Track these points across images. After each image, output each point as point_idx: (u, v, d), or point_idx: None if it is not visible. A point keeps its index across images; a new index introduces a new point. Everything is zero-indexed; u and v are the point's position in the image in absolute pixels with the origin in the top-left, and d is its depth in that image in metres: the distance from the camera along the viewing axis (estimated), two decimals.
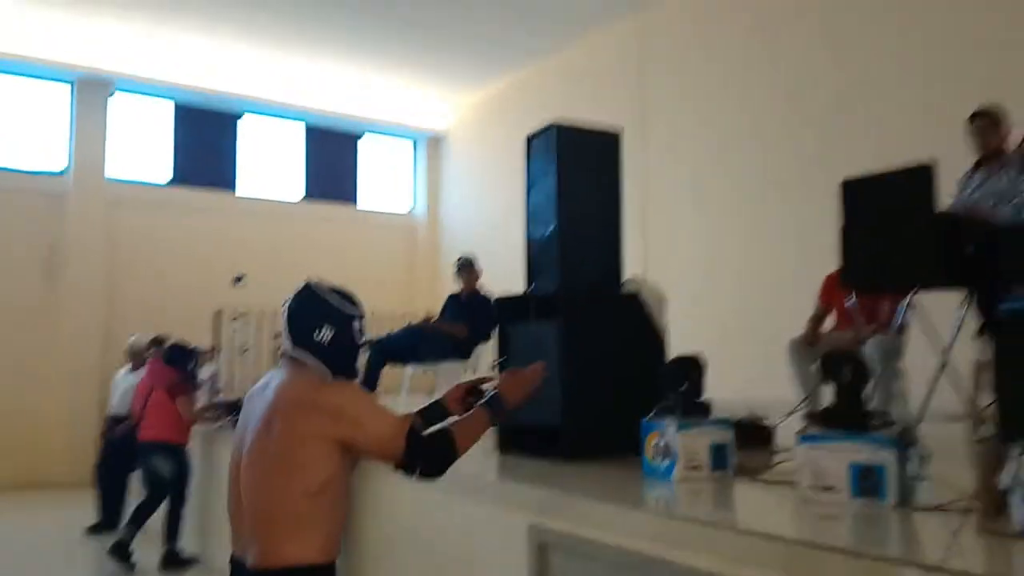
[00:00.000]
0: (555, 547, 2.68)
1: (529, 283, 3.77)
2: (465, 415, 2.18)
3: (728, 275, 7.72)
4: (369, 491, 3.73)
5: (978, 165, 4.27)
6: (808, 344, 4.76)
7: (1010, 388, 3.23)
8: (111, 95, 10.87)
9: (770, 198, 7.65)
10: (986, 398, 3.84)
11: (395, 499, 3.60)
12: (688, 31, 9.03)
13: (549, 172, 3.65)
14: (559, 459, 3.30)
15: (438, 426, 2.19)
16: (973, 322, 3.87)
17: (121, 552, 5.84)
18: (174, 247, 10.92)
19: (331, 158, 12.77)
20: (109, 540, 6.15)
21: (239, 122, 11.97)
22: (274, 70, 11.01)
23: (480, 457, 3.77)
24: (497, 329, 3.79)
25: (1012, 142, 4.20)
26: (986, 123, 4.18)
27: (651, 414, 2.98)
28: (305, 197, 12.50)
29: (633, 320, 3.61)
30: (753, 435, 3.61)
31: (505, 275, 10.63)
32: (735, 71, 8.37)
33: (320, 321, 2.03)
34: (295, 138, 12.50)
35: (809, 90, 7.53)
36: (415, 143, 13.49)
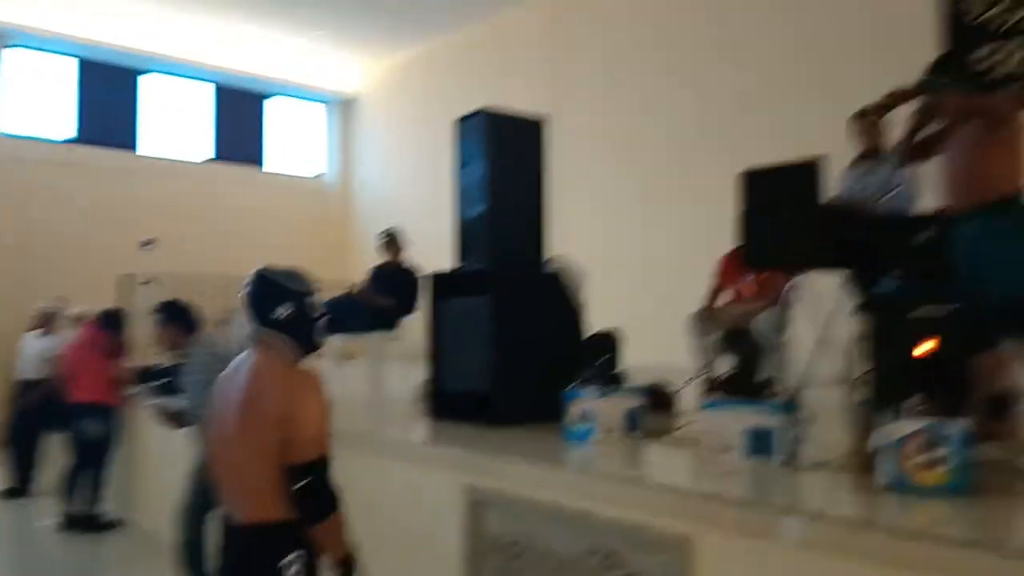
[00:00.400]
0: (488, 504, 2.98)
1: (459, 260, 4.01)
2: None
3: (634, 254, 8.11)
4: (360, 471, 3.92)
5: (860, 159, 4.74)
6: (706, 318, 5.18)
7: (882, 360, 3.73)
8: (6, 47, 10.35)
9: (673, 184, 8.08)
10: (860, 368, 4.37)
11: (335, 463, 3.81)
12: (601, 9, 9.32)
13: (478, 156, 3.88)
14: (488, 424, 3.59)
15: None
16: (852, 300, 4.34)
17: (88, 523, 5.87)
18: (77, 207, 10.53)
19: (240, 119, 12.50)
20: (25, 505, 6.12)
21: (143, 79, 11.58)
22: (181, 27, 10.69)
23: (411, 422, 4.04)
24: (427, 301, 4.03)
25: (891, 139, 4.68)
26: (869, 122, 4.64)
27: (573, 384, 3.30)
28: (213, 158, 12.24)
29: (556, 296, 3.92)
30: (658, 401, 3.99)
31: (420, 244, 10.82)
32: (645, 51, 8.74)
33: (278, 301, 2.23)
34: (203, 98, 12.18)
35: (713, 85, 7.99)
36: (327, 106, 13.36)
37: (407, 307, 5.21)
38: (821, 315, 4.41)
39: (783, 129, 7.08)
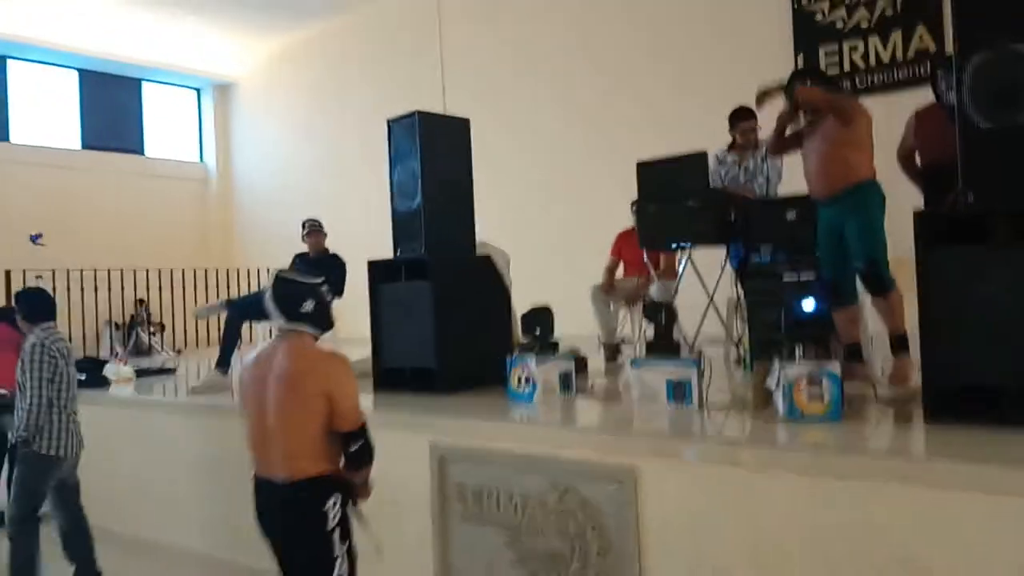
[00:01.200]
0: (451, 457, 3.46)
1: (395, 249, 4.42)
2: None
3: (537, 235, 8.64)
4: None
5: (731, 147, 5.45)
6: (605, 290, 5.82)
7: (757, 320, 4.48)
8: None
9: (566, 168, 8.70)
10: (741, 326, 5.12)
11: None
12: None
13: (412, 154, 4.29)
14: (433, 393, 4.05)
15: None
16: (731, 271, 5.08)
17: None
18: None
19: (112, 105, 12.09)
20: None
21: (11, 64, 11.02)
22: (45, 10, 10.26)
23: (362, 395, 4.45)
24: (367, 286, 4.42)
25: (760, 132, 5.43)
26: (753, 123, 5.33)
27: (516, 352, 3.82)
28: (85, 146, 11.80)
29: (486, 278, 4.42)
30: (578, 365, 4.59)
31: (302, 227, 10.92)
32: (528, 39, 9.28)
33: (303, 298, 2.64)
34: (69, 83, 11.70)
35: (579, 82, 8.67)
36: (199, 92, 13.10)
37: (337, 291, 5.55)
38: (707, 283, 5.13)
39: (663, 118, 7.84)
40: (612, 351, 5.52)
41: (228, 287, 10.98)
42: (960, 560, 2.26)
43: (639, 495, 2.86)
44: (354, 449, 2.57)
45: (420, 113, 4.29)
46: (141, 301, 10.75)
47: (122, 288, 9.65)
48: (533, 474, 3.17)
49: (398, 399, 4.06)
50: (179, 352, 9.92)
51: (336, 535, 2.57)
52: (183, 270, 10.45)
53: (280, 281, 2.68)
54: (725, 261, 5.24)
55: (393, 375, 4.33)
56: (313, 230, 5.65)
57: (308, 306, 2.63)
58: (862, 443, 2.71)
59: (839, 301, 3.96)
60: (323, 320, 2.69)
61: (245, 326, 5.53)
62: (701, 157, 4.77)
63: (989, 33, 2.61)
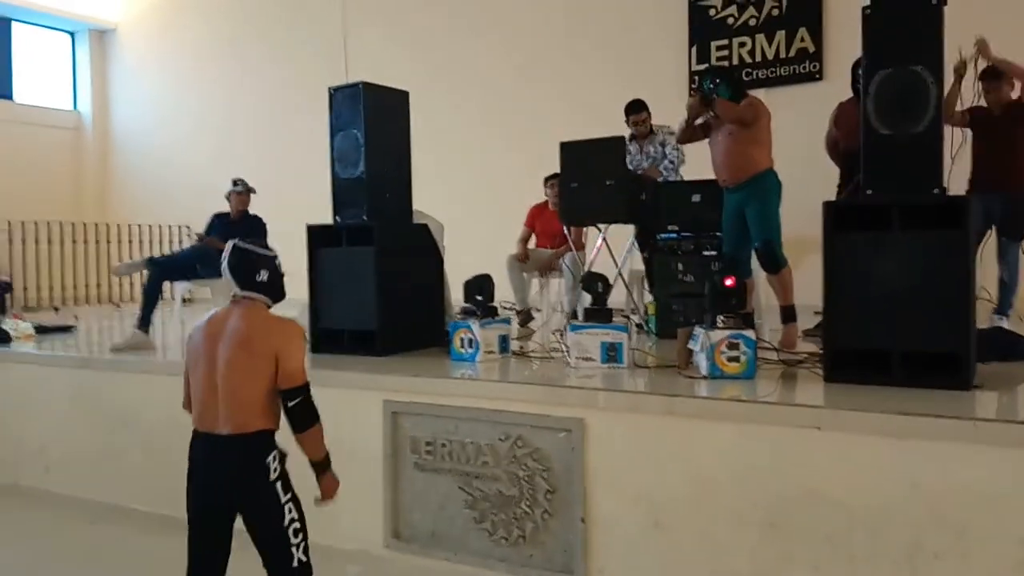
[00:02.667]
0: (402, 413, 3.73)
1: (335, 215, 4.58)
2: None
3: (448, 207, 8.80)
4: None
5: (631, 138, 5.90)
6: (519, 260, 6.17)
7: (662, 291, 4.96)
8: None
9: (479, 141, 8.94)
10: (646, 296, 5.62)
11: None
12: None
13: (355, 122, 4.45)
14: (375, 355, 4.28)
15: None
16: (641, 246, 5.54)
17: None
18: None
19: None
20: None
21: None
22: None
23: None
24: (307, 250, 4.57)
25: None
26: (643, 115, 5.80)
27: (458, 315, 4.12)
28: None
29: (424, 245, 4.66)
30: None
31: (192, 184, 10.67)
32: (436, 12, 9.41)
33: (258, 267, 2.75)
34: None
35: (487, 54, 8.92)
36: (74, 36, 12.33)
37: None
38: (617, 257, 5.59)
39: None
40: (525, 316, 5.89)
41: (99, 242, 10.59)
42: (856, 489, 2.78)
43: (585, 441, 3.25)
44: (292, 405, 2.66)
45: (364, 84, 4.44)
46: None
47: None
48: (485, 425, 3.50)
49: (344, 360, 4.26)
50: (56, 310, 9.51)
51: (279, 485, 2.70)
52: (47, 223, 9.93)
53: (237, 250, 2.78)
54: (632, 237, 5.72)
55: (331, 336, 4.51)
56: (245, 191, 5.64)
57: (263, 275, 2.74)
58: (777, 396, 3.20)
59: (736, 275, 4.49)
60: (276, 290, 2.80)
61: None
62: (619, 140, 5.18)
63: (892, 54, 3.11)
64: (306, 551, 2.71)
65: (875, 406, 2.82)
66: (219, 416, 2.70)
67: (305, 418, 2.71)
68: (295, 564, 2.67)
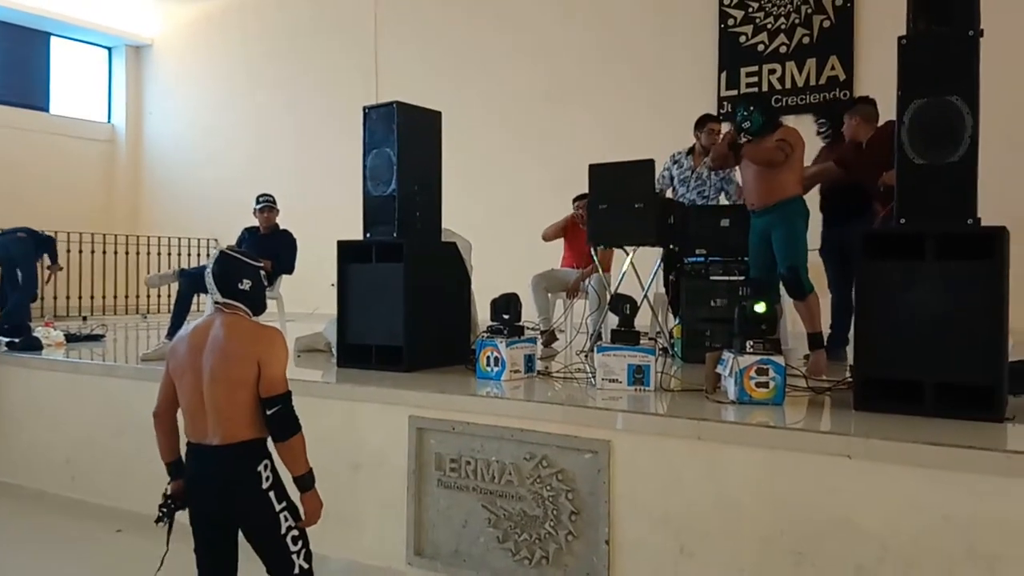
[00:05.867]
0: (428, 429, 3.74)
1: (365, 232, 4.63)
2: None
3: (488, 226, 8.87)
4: None
5: (690, 151, 5.90)
6: (545, 279, 6.19)
7: (689, 315, 4.96)
8: None
9: (501, 160, 9.01)
10: (671, 320, 5.61)
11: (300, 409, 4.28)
12: None
13: (388, 141, 4.51)
14: (402, 371, 4.30)
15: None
16: (670, 269, 5.54)
17: None
18: None
19: (17, 58, 11.50)
20: None
21: None
22: None
23: (328, 367, 4.66)
24: (337, 265, 4.61)
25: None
26: (718, 125, 5.81)
27: (485, 334, 4.14)
28: None
29: (452, 263, 4.70)
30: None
31: (222, 198, 10.82)
32: (466, 26, 9.51)
33: (241, 276, 2.74)
34: None
35: (515, 73, 9.00)
36: (111, 51, 12.60)
37: (287, 266, 5.68)
38: (644, 279, 5.58)
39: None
40: (549, 337, 5.90)
41: (128, 253, 10.74)
42: (886, 519, 2.75)
43: (612, 463, 3.24)
44: (271, 413, 2.63)
45: (398, 103, 4.50)
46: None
47: None
48: (511, 444, 3.50)
49: (371, 375, 4.28)
50: (84, 319, 9.64)
51: (272, 494, 2.67)
52: (79, 233, 10.08)
53: (223, 256, 2.78)
54: (659, 260, 5.72)
55: (357, 351, 4.54)
56: (266, 206, 5.72)
57: (245, 284, 2.73)
58: (806, 423, 3.18)
59: (764, 301, 4.48)
60: (257, 302, 2.79)
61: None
62: (648, 164, 5.20)
63: (927, 83, 3.12)
64: (308, 558, 2.72)
65: (906, 436, 2.79)
66: (208, 427, 2.70)
67: (285, 427, 2.68)
68: (296, 571, 2.68)
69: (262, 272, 2.86)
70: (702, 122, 5.83)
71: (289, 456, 2.68)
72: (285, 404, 2.68)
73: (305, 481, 2.70)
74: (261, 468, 2.66)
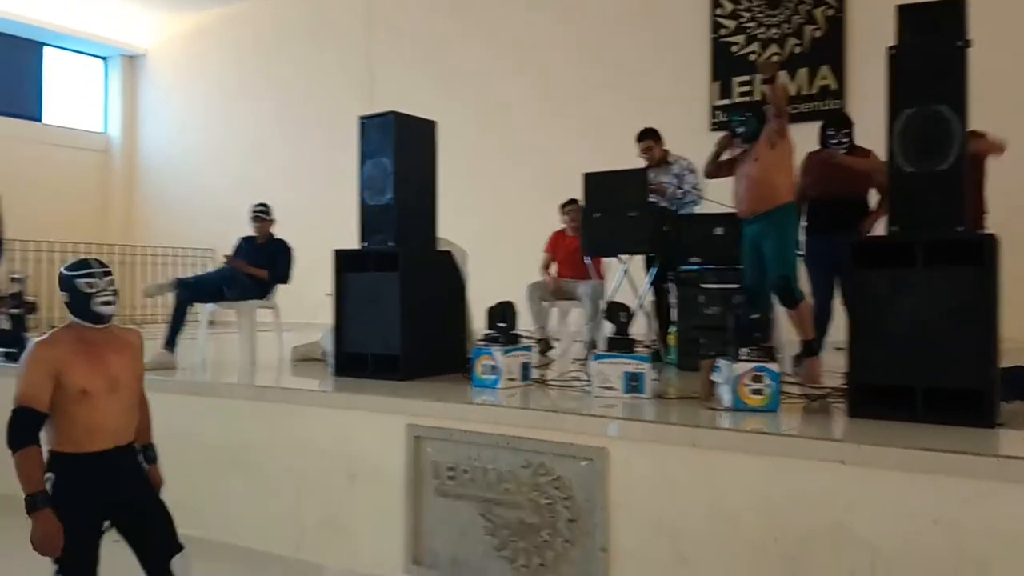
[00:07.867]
0: (425, 437, 3.76)
1: (362, 241, 4.65)
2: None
3: (483, 235, 8.89)
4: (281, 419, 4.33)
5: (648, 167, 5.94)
6: (547, 289, 6.20)
7: (683, 323, 4.98)
8: None
9: (493, 171, 9.04)
10: (663, 327, 5.63)
11: (297, 418, 4.27)
12: None
13: (385, 151, 4.54)
14: (399, 379, 4.32)
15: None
16: (663, 277, 5.57)
17: None
18: None
19: (9, 67, 11.50)
20: None
21: None
22: None
23: (324, 376, 4.68)
24: (333, 274, 4.63)
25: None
26: (648, 143, 5.84)
27: (478, 343, 4.17)
28: None
29: (447, 272, 4.73)
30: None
31: (217, 208, 10.80)
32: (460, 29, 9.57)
33: (61, 290, 2.79)
34: None
35: (507, 85, 9.05)
36: (106, 61, 12.61)
37: (282, 276, 5.70)
38: (637, 287, 5.61)
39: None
40: (544, 345, 5.91)
41: (123, 264, 10.72)
42: (879, 525, 2.78)
43: (608, 471, 3.27)
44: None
45: (395, 114, 4.54)
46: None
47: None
48: (508, 452, 3.52)
49: (368, 383, 4.30)
50: None
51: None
52: (74, 244, 10.05)
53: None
54: (657, 266, 5.74)
55: (354, 360, 4.56)
56: (258, 217, 5.73)
57: (65, 298, 2.79)
58: (800, 429, 3.21)
59: (756, 309, 4.51)
60: (75, 310, 2.79)
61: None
62: (642, 172, 5.24)
63: (916, 93, 3.16)
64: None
65: (898, 441, 2.83)
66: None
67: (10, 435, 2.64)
68: None
69: (82, 280, 2.77)
70: (636, 140, 5.86)
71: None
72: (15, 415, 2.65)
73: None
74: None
